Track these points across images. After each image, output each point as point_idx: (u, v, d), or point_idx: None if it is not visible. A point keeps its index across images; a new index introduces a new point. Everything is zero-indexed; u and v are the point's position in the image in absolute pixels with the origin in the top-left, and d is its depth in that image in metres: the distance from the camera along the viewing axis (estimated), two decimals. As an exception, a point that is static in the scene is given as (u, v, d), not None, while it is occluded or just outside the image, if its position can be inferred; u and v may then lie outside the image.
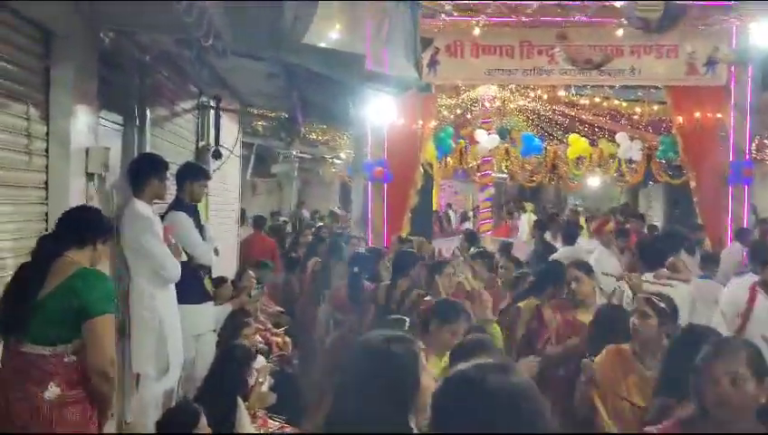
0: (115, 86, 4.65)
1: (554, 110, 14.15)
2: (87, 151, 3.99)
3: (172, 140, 5.98)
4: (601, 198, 24.04)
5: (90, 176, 4.04)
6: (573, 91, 11.04)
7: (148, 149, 5.04)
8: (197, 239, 5.22)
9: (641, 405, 3.75)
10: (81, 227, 3.39)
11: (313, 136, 15.79)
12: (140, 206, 4.58)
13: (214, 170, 7.14)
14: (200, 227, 5.42)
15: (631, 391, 3.81)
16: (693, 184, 9.96)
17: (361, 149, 10.41)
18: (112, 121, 4.65)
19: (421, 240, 8.64)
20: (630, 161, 11.88)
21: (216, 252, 5.50)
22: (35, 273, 3.22)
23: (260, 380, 5.02)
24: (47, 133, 3.75)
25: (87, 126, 3.99)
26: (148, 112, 5.08)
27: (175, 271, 4.66)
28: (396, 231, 9.95)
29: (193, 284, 5.17)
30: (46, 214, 3.76)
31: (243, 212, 10.41)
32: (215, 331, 6.12)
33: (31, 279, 3.21)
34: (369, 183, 10.18)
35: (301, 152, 12.97)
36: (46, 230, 3.73)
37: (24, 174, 3.60)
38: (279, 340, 7.73)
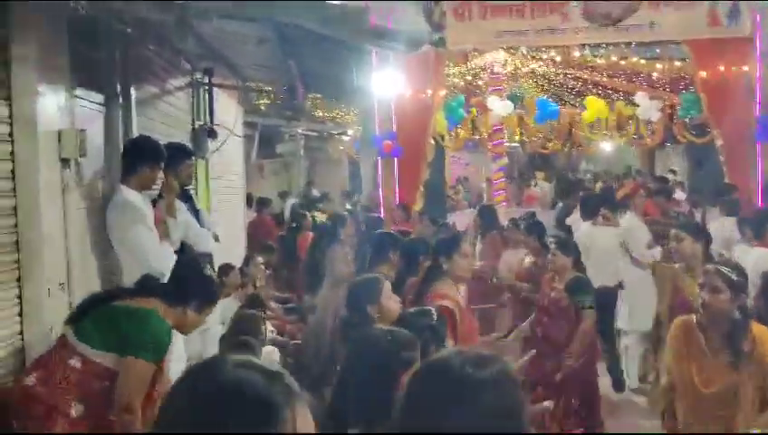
0: (93, 62, 4.14)
1: (566, 74, 13.53)
2: (59, 135, 3.49)
3: (164, 121, 5.48)
4: (615, 163, 23.35)
5: (65, 162, 3.55)
6: (588, 52, 10.40)
7: (134, 131, 4.54)
8: (192, 225, 4.76)
9: (702, 387, 3.33)
10: (178, 286, 3.38)
11: (319, 113, 15.26)
12: (128, 193, 4.11)
13: (212, 151, 6.66)
14: (195, 213, 4.96)
15: (691, 368, 3.38)
16: (719, 142, 9.37)
17: (369, 124, 9.89)
18: (93, 101, 4.15)
19: None
20: (649, 122, 11.27)
21: (216, 238, 5.03)
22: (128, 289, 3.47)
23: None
24: (10, 116, 3.25)
25: (57, 106, 3.50)
26: (132, 90, 4.56)
27: (162, 265, 4.19)
28: (410, 205, 9.46)
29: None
30: (14, 208, 3.27)
31: (249, 195, 9.93)
32: (222, 323, 5.70)
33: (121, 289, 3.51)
34: (379, 158, 9.67)
35: (307, 130, 12.42)
36: (15, 226, 3.26)
37: (-16, 163, 3.11)
38: (293, 328, 7.29)
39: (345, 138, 15.79)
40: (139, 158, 4.16)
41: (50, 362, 3.17)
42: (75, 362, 3.14)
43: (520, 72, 13.03)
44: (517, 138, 12.65)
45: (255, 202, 10.16)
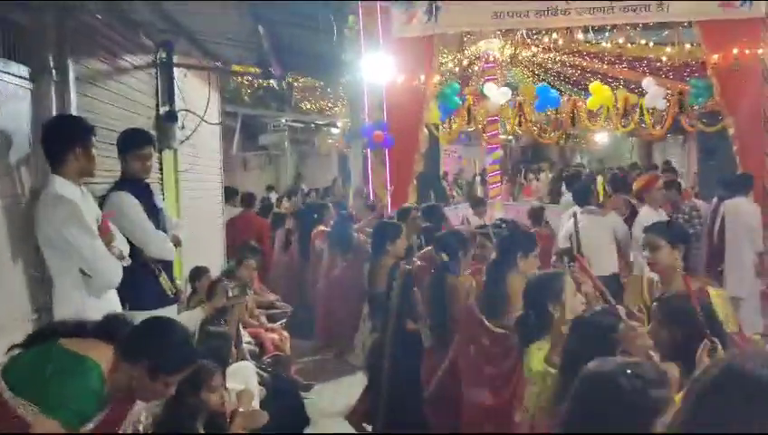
0: (16, 28, 3.33)
1: (564, 62, 12.76)
2: (-45, 112, 2.68)
3: (120, 104, 4.66)
4: (612, 156, 22.59)
5: (-35, 147, 2.73)
6: (591, 36, 9.57)
7: (74, 113, 3.72)
8: (146, 226, 3.95)
9: None
10: (135, 337, 2.59)
11: (306, 105, 14.41)
12: (62, 185, 3.30)
13: (182, 141, 5.84)
14: (155, 211, 4.15)
15: None
16: (732, 131, 8.64)
17: (358, 112, 9.08)
18: (14, 75, 3.33)
19: None
20: (653, 111, 10.47)
21: (178, 241, 4.22)
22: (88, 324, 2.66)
23: (240, 408, 3.76)
24: None
25: (-48, 75, 2.68)
26: (70, 65, 3.74)
27: (111, 275, 3.40)
28: (401, 200, 8.68)
29: (144, 284, 3.94)
30: None
31: (228, 190, 9.07)
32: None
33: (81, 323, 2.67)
34: (369, 149, 8.87)
35: (293, 121, 11.56)
36: None
37: None
38: (275, 336, 6.49)
39: (334, 130, 14.96)
40: (59, 140, 3.34)
41: None
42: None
43: (516, 58, 12.27)
44: (517, 129, 11.76)
45: (240, 198, 9.22)
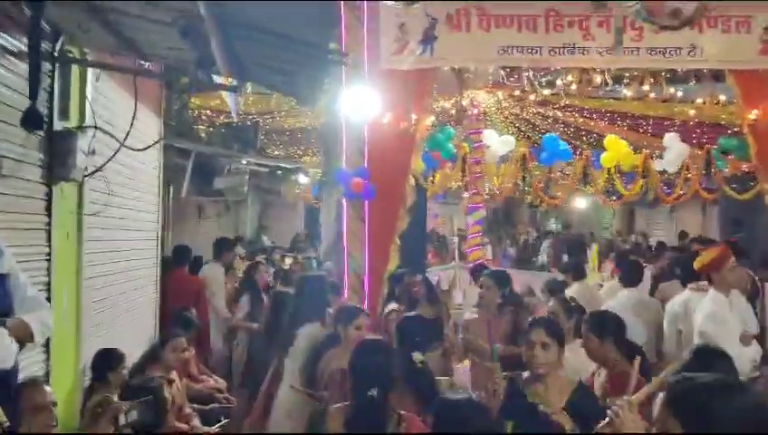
0: None
1: (555, 118, 11.32)
2: None
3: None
4: (589, 222, 21.10)
5: None
6: (610, 81, 7.99)
7: None
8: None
9: None
10: None
11: (273, 151, 12.67)
12: None
13: (89, 173, 3.98)
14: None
15: None
16: (770, 198, 7.11)
17: (333, 155, 7.34)
18: None
19: None
20: (664, 172, 8.95)
21: (24, 333, 2.33)
22: None
23: None
24: None
25: None
26: None
27: None
28: (382, 263, 6.91)
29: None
30: None
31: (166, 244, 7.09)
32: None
33: None
34: (345, 200, 7.09)
35: (256, 165, 9.80)
36: None
37: None
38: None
39: (303, 179, 13.17)
40: None
41: None
42: None
43: (506, 112, 10.79)
44: (520, 184, 10.10)
45: (172, 253, 7.04)
